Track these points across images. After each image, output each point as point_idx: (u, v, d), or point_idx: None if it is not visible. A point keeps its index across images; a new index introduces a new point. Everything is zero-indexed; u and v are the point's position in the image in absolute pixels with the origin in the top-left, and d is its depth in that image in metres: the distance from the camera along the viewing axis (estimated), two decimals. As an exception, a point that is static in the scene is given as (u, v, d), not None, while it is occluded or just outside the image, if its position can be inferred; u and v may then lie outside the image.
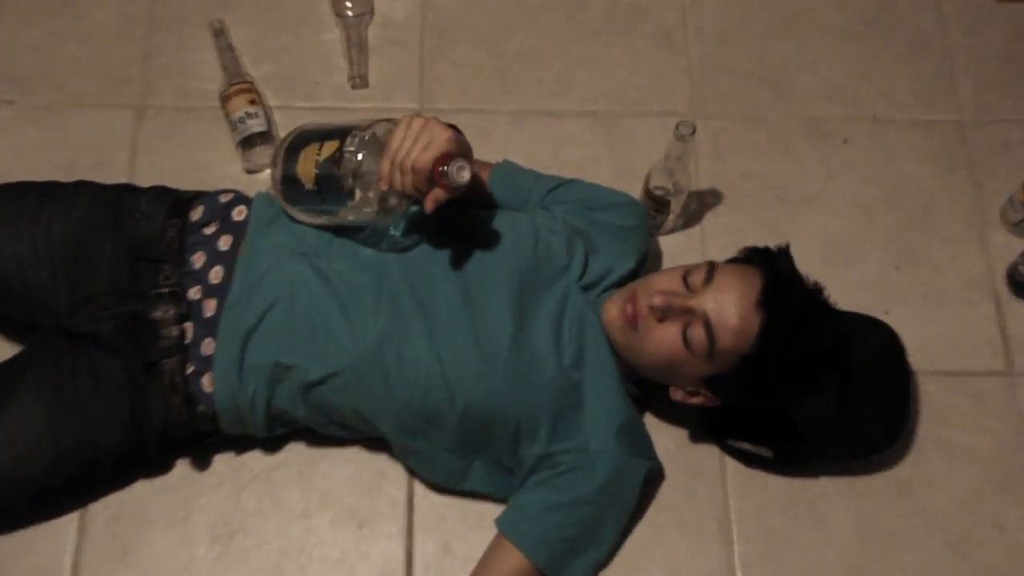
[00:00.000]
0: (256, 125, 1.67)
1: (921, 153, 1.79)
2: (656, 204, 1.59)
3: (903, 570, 1.46)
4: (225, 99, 1.70)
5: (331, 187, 1.29)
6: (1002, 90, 1.85)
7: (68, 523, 1.42)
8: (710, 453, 1.52)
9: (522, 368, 1.31)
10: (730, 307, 1.25)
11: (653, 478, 1.47)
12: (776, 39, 1.88)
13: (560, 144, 1.76)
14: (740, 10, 1.91)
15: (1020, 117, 1.83)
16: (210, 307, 1.36)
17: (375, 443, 1.45)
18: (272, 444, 1.47)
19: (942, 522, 1.49)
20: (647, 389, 1.42)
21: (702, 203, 1.72)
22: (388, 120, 1.29)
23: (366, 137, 1.27)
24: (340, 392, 1.33)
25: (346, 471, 1.47)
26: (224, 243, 1.40)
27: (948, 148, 1.80)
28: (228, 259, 1.38)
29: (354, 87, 1.78)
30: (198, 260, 1.39)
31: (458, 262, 1.36)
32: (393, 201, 1.28)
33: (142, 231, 1.42)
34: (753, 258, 1.35)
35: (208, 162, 1.70)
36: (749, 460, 1.50)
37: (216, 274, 1.38)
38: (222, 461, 1.47)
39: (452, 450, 1.36)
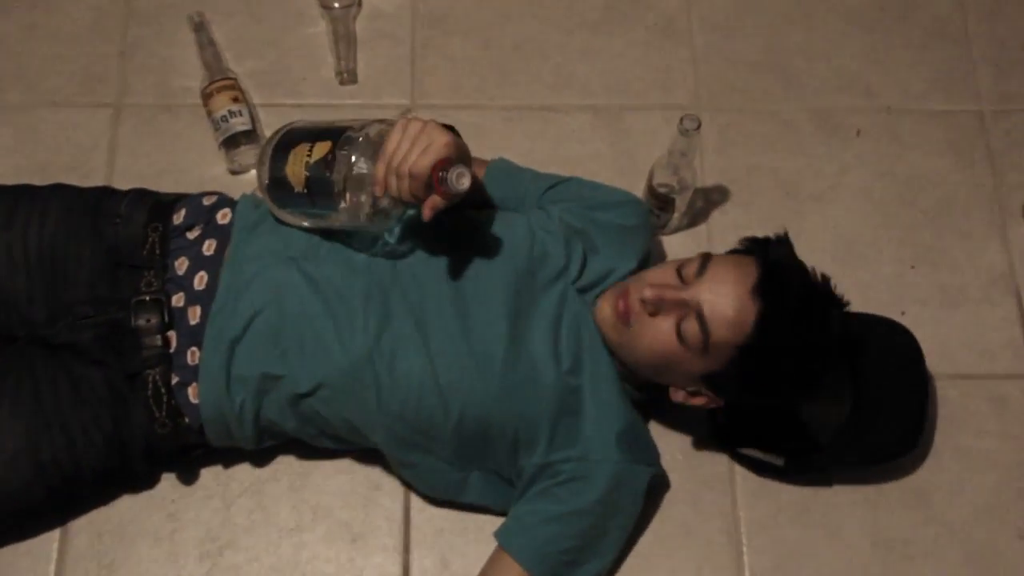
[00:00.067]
0: (240, 124, 1.71)
1: (938, 145, 1.84)
2: (660, 202, 1.63)
3: (920, 582, 1.51)
4: (207, 97, 1.74)
5: (322, 191, 1.31)
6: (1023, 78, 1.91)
7: (49, 541, 1.47)
8: (718, 461, 1.57)
9: (519, 375, 1.34)
10: (724, 297, 1.27)
11: (659, 486, 1.52)
12: (784, 27, 1.93)
13: (559, 140, 1.81)
14: (746, -3, 1.96)
15: (1042, 107, 1.88)
16: (194, 315, 1.39)
17: (369, 454, 1.49)
18: (262, 456, 1.51)
19: (960, 532, 1.54)
20: (651, 393, 1.45)
21: (708, 200, 1.76)
22: (382, 121, 1.31)
23: (360, 139, 1.29)
24: (330, 403, 1.36)
25: (339, 483, 1.52)
26: (208, 248, 1.43)
27: (966, 140, 1.84)
28: (213, 264, 1.41)
29: (342, 83, 1.82)
30: (181, 266, 1.43)
31: (451, 267, 1.39)
32: (387, 206, 1.30)
33: (122, 236, 1.45)
34: (751, 248, 1.39)
35: (190, 163, 1.75)
36: (759, 468, 1.55)
37: (200, 280, 1.41)
38: (210, 474, 1.52)
39: (449, 462, 1.40)
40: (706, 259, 1.32)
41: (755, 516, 1.54)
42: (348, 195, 1.29)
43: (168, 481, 1.51)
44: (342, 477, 1.53)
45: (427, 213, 1.25)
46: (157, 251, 1.44)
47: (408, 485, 1.51)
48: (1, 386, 1.37)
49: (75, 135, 1.76)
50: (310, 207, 1.35)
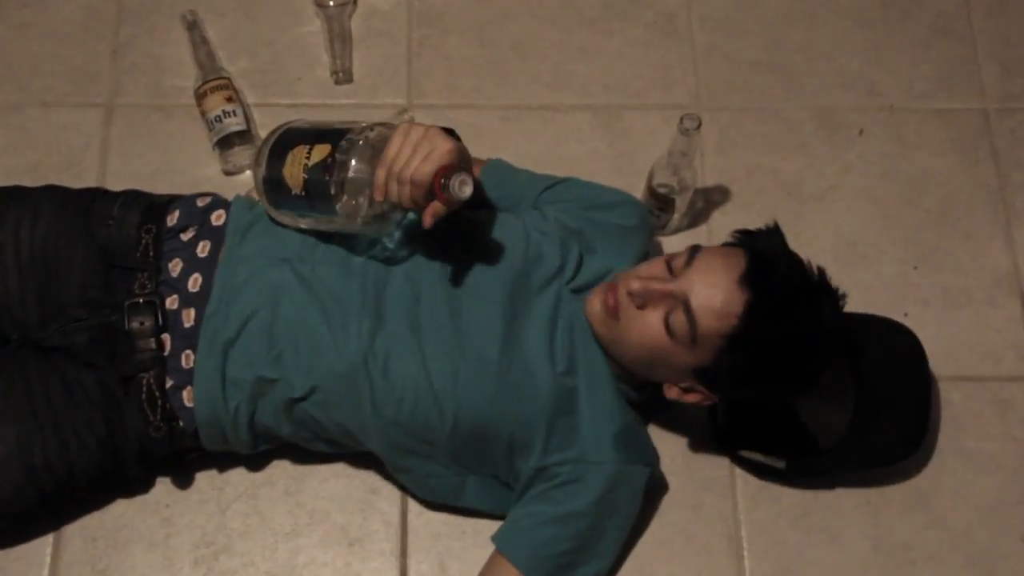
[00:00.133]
0: (234, 124, 1.73)
1: (942, 144, 1.86)
2: (660, 202, 1.66)
3: (922, 586, 1.54)
4: (200, 96, 1.76)
5: (321, 194, 1.32)
6: (1028, 76, 1.93)
7: (42, 546, 1.50)
8: (719, 465, 1.59)
9: (513, 378, 1.36)
10: (711, 287, 1.28)
11: (658, 488, 1.55)
12: (786, 25, 1.95)
13: (557, 140, 1.83)
14: (747, -6, 1.98)
15: (1048, 105, 1.90)
16: (189, 317, 1.41)
17: (366, 458, 1.51)
18: (257, 460, 1.54)
19: (963, 535, 1.56)
20: (650, 395, 1.47)
21: (708, 201, 1.79)
22: (383, 124, 1.33)
23: (360, 142, 1.30)
24: (325, 408, 1.39)
25: (336, 487, 1.55)
26: (202, 249, 1.45)
27: (971, 139, 1.87)
28: (207, 266, 1.43)
29: (337, 82, 1.85)
30: (175, 268, 1.44)
31: (446, 269, 1.41)
32: (386, 211, 1.32)
33: (115, 238, 1.47)
34: (742, 240, 1.40)
35: (183, 164, 1.77)
36: (760, 472, 1.58)
37: (194, 282, 1.43)
38: (205, 479, 1.54)
39: (446, 466, 1.43)
40: (694, 251, 1.34)
41: (756, 519, 1.56)
42: (347, 199, 1.30)
43: (162, 485, 1.54)
44: (339, 481, 1.55)
45: (428, 220, 1.27)
46: (151, 253, 1.46)
47: (405, 489, 1.53)
48: (-8, 390, 1.38)
49: (67, 135, 1.79)
50: (308, 210, 1.37)
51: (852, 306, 1.57)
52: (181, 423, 1.41)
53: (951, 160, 1.85)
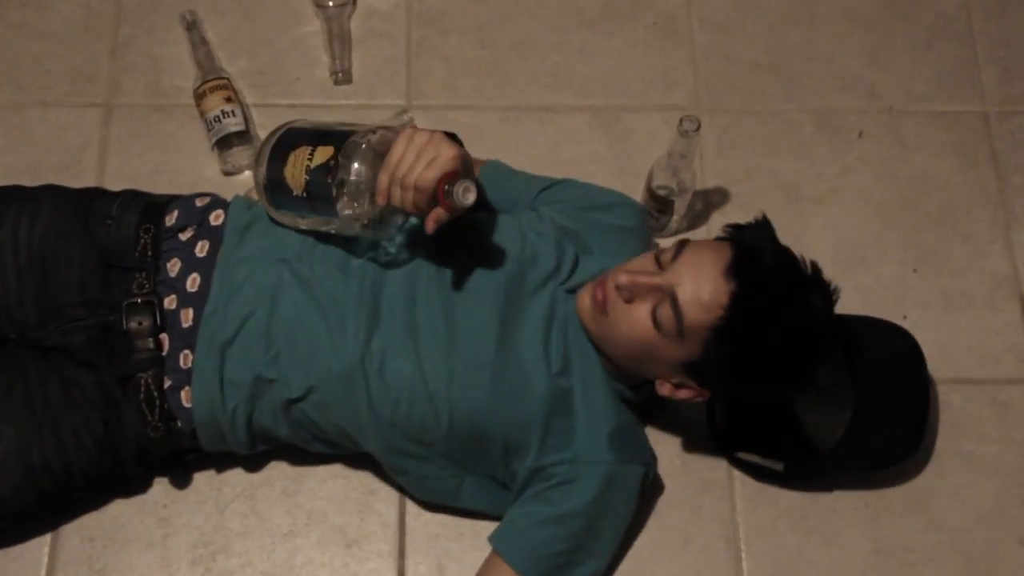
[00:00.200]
0: (233, 124, 1.74)
1: (941, 147, 1.87)
2: (659, 204, 1.66)
3: (921, 588, 1.55)
4: (199, 97, 1.77)
5: (323, 196, 1.33)
6: (1028, 79, 1.94)
7: (40, 545, 1.50)
8: (717, 467, 1.60)
9: (508, 379, 1.37)
10: (696, 279, 1.28)
11: (656, 491, 1.56)
12: (785, 26, 1.96)
13: (557, 141, 1.84)
14: (747, -5, 1.99)
15: (1048, 107, 1.91)
16: (187, 317, 1.41)
17: (363, 459, 1.51)
18: (256, 461, 1.54)
19: (962, 538, 1.57)
20: (648, 395, 1.46)
21: (708, 203, 1.80)
22: (385, 127, 1.34)
23: (364, 146, 1.31)
24: (322, 409, 1.39)
25: (334, 488, 1.55)
26: (201, 249, 1.46)
27: (970, 141, 1.88)
28: (205, 266, 1.44)
29: (336, 83, 1.85)
30: (173, 267, 1.45)
31: (441, 270, 1.41)
32: (387, 215, 1.33)
33: (113, 238, 1.47)
34: (731, 233, 1.40)
35: (182, 164, 1.78)
36: (758, 474, 1.58)
37: (193, 282, 1.43)
38: (203, 479, 1.55)
39: (443, 467, 1.43)
40: (682, 245, 1.34)
41: (754, 522, 1.57)
42: (349, 202, 1.31)
43: (160, 485, 1.54)
44: (337, 482, 1.56)
45: (431, 226, 1.28)
46: (149, 253, 1.46)
47: (403, 490, 1.53)
48: (-10, 390, 1.39)
49: (66, 135, 1.79)
50: (308, 211, 1.38)
51: (851, 308, 1.59)
52: (179, 423, 1.42)
53: (951, 163, 1.86)
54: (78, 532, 1.51)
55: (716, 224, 1.77)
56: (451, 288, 1.41)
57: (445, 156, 1.25)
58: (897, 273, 1.76)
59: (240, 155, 1.75)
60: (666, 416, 1.61)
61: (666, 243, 1.71)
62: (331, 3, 1.88)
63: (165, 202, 1.54)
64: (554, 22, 1.94)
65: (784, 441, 1.57)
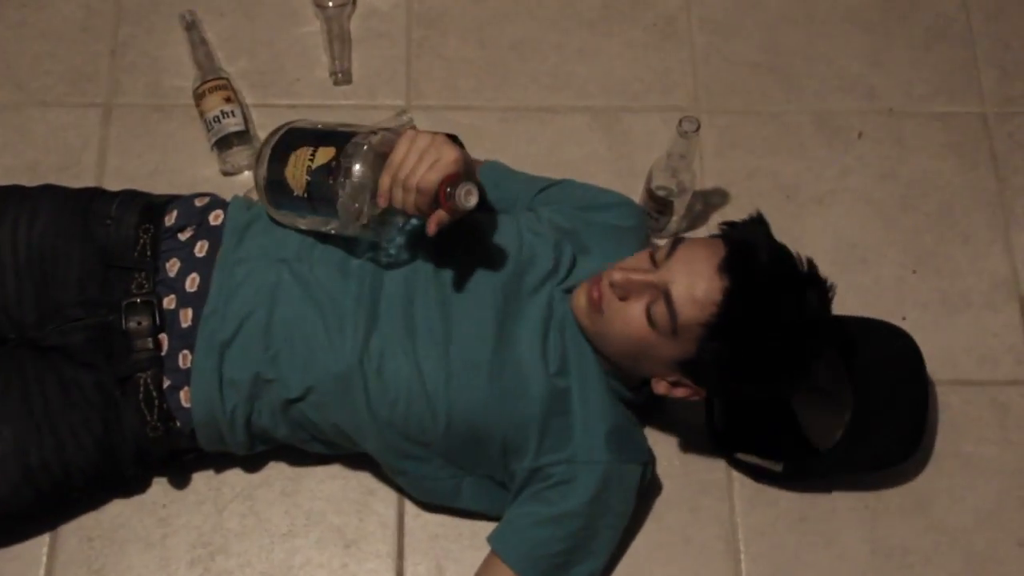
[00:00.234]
0: (232, 124, 1.74)
1: (941, 148, 1.87)
2: (658, 205, 1.66)
3: (919, 589, 1.55)
4: (199, 97, 1.77)
5: (324, 197, 1.33)
6: (1028, 80, 1.94)
7: (38, 545, 1.50)
8: (716, 467, 1.60)
9: (506, 379, 1.37)
10: (691, 276, 1.28)
11: (653, 489, 1.56)
12: (785, 27, 1.96)
13: (556, 142, 1.84)
14: (746, -4, 1.99)
15: (1047, 109, 1.91)
16: (186, 317, 1.42)
17: (362, 459, 1.51)
18: (254, 461, 1.55)
19: (961, 539, 1.57)
20: (646, 396, 1.46)
21: (707, 204, 1.80)
22: (387, 129, 1.34)
23: (365, 147, 1.31)
24: (321, 409, 1.40)
25: (332, 489, 1.55)
26: (200, 249, 1.46)
27: (970, 142, 1.88)
28: (205, 266, 1.44)
29: (336, 83, 1.86)
30: (172, 267, 1.45)
31: (440, 270, 1.42)
32: (389, 217, 1.33)
33: (112, 237, 1.48)
34: (725, 231, 1.40)
35: (182, 164, 1.78)
36: (757, 475, 1.58)
37: (192, 282, 1.43)
38: (202, 479, 1.55)
39: (442, 468, 1.43)
40: (676, 242, 1.34)
41: (753, 523, 1.57)
42: (350, 203, 1.31)
43: (159, 485, 1.55)
44: (335, 482, 1.56)
45: (432, 228, 1.28)
46: (148, 252, 1.47)
47: (402, 491, 1.54)
48: (-12, 390, 1.39)
49: (65, 135, 1.80)
50: (309, 211, 1.38)
51: (850, 309, 1.60)
52: (178, 423, 1.42)
53: (950, 164, 1.86)
54: (77, 532, 1.51)
55: (715, 225, 1.74)
56: (449, 288, 1.41)
57: (447, 159, 1.26)
58: (896, 274, 1.76)
59: (239, 155, 1.76)
60: (665, 417, 1.61)
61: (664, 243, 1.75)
62: (331, 3, 1.88)
63: (164, 202, 1.54)
64: (554, 23, 1.94)
65: (783, 442, 1.57)
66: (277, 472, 1.56)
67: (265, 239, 1.45)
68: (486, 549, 1.42)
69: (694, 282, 1.27)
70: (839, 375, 1.54)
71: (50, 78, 1.84)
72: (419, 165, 1.25)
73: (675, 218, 1.71)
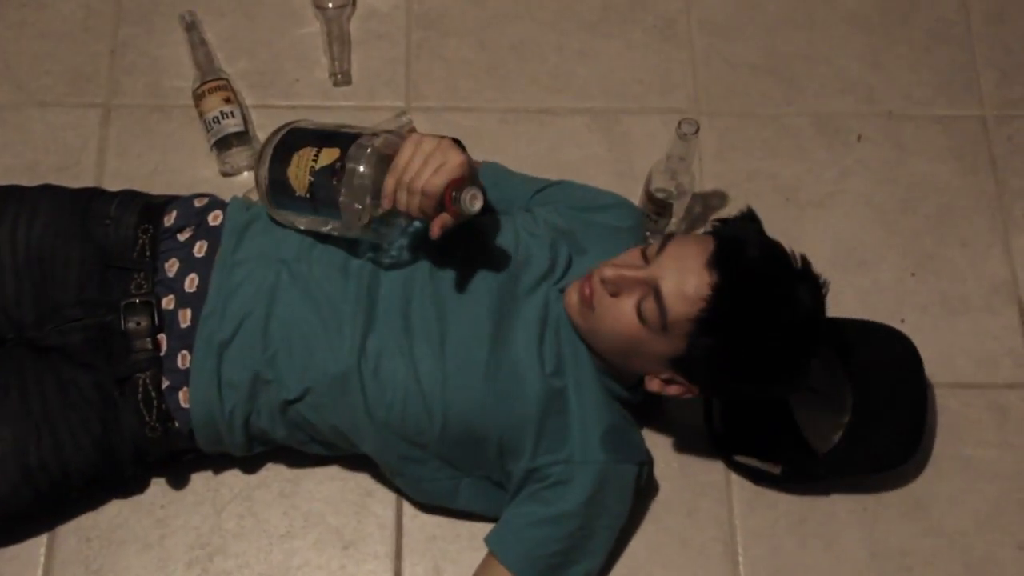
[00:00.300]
0: (232, 125, 1.74)
1: (940, 151, 1.87)
2: (658, 207, 1.66)
3: (918, 593, 1.55)
4: (198, 97, 1.77)
5: (327, 198, 1.33)
6: (1027, 83, 1.94)
7: (36, 546, 1.50)
8: (714, 470, 1.60)
9: (502, 380, 1.37)
10: (680, 272, 1.27)
11: (652, 492, 1.56)
12: (785, 30, 1.96)
13: (556, 144, 1.84)
14: (746, -1, 2.00)
15: (1046, 112, 1.91)
16: (185, 317, 1.42)
17: (360, 460, 1.51)
18: (253, 462, 1.55)
19: (960, 543, 1.57)
20: (644, 396, 1.45)
21: (706, 206, 1.80)
22: (390, 132, 1.35)
23: (369, 149, 1.31)
24: (319, 410, 1.39)
25: (330, 490, 1.55)
26: (199, 249, 1.46)
27: (969, 145, 1.88)
28: (204, 266, 1.44)
29: (336, 84, 1.86)
30: (171, 268, 1.45)
31: (436, 271, 1.42)
32: (390, 218, 1.33)
33: (112, 238, 1.48)
34: (717, 227, 1.40)
35: (181, 164, 1.78)
36: (756, 477, 1.58)
37: (191, 282, 1.43)
38: (200, 480, 1.55)
39: (439, 469, 1.43)
40: (667, 239, 1.34)
41: (751, 525, 1.57)
42: (353, 204, 1.31)
43: (158, 486, 1.55)
44: (334, 483, 1.56)
45: (436, 231, 1.28)
46: (147, 253, 1.47)
47: (400, 492, 1.54)
48: (-14, 390, 1.39)
49: (65, 135, 1.80)
50: (311, 212, 1.38)
51: (849, 312, 1.60)
52: (177, 424, 1.42)
53: (949, 167, 1.86)
54: (75, 532, 1.51)
55: (714, 227, 1.77)
56: (445, 289, 1.41)
57: (452, 163, 1.26)
58: (895, 277, 1.76)
59: (239, 156, 1.76)
60: (663, 419, 1.61)
61: (662, 245, 1.75)
62: (331, 4, 1.88)
63: (164, 202, 1.54)
64: (553, 24, 1.95)
65: (782, 444, 1.57)
66: (275, 473, 1.56)
67: (264, 240, 1.45)
68: (484, 550, 1.42)
69: (683, 278, 1.27)
70: (838, 377, 1.54)
71: (50, 78, 1.84)
72: (424, 169, 1.25)
73: (674, 220, 1.71)
